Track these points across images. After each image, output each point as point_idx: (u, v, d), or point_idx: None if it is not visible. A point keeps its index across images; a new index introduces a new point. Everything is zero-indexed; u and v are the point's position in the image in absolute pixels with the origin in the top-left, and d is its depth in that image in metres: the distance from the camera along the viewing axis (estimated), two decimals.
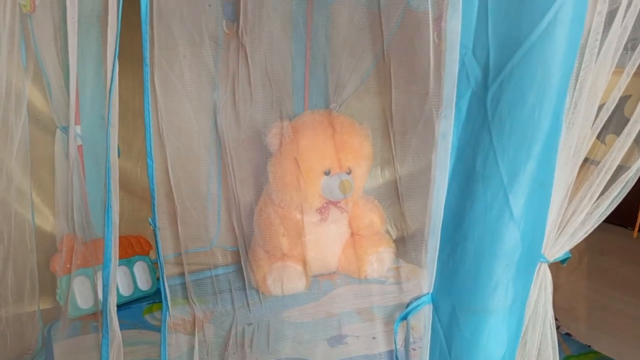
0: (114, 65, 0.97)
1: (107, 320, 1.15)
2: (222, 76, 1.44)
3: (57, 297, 1.94)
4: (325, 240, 2.18)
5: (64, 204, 1.96)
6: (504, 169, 0.89)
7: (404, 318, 1.05)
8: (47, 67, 1.73)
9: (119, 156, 2.09)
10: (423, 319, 1.04)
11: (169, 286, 2.22)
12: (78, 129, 1.95)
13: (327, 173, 2.10)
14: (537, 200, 0.92)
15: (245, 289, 2.01)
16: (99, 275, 1.94)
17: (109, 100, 1.01)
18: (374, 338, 1.79)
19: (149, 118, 1.07)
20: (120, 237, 2.17)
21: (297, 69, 2.20)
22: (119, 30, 0.98)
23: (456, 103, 0.93)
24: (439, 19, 1.15)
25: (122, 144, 2.07)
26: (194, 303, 1.86)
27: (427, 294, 1.03)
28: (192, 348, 1.60)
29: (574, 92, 0.94)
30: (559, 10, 0.82)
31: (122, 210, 2.21)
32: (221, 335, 1.74)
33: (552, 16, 0.82)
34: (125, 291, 2.09)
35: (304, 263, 2.12)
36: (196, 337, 1.55)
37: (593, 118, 0.99)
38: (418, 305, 1.03)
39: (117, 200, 1.16)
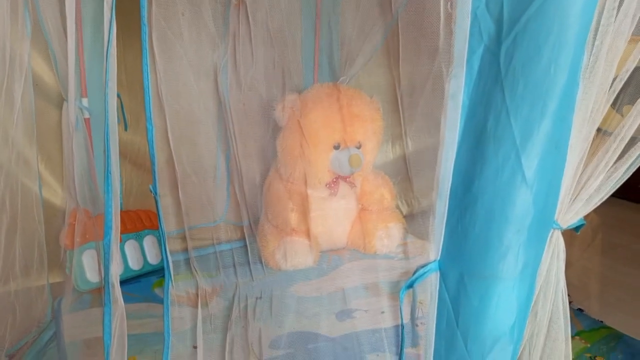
0: (110, 26, 0.93)
1: (109, 290, 1.13)
2: (222, 35, 1.39)
3: (67, 271, 1.92)
4: (335, 215, 2.15)
5: (72, 177, 1.94)
6: (517, 128, 0.84)
7: (410, 286, 1.01)
8: (52, 37, 1.69)
9: (126, 129, 2.08)
10: (429, 288, 1.00)
11: (174, 261, 2.23)
12: (85, 101, 1.92)
13: (336, 147, 2.05)
14: (551, 162, 0.87)
15: (250, 263, 1.99)
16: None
17: (106, 63, 0.97)
18: (382, 312, 1.76)
19: (148, 80, 1.03)
20: (129, 211, 2.18)
21: (306, 42, 2.15)
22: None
23: (467, 60, 0.88)
24: None
25: (130, 117, 2.04)
26: (199, 276, 1.84)
27: (434, 261, 0.99)
28: (196, 320, 1.58)
29: (591, 52, 0.88)
30: None
31: (131, 185, 2.19)
32: (226, 308, 1.72)
33: None
34: (135, 265, 2.07)
35: (313, 238, 2.09)
36: (199, 310, 1.52)
37: (610, 82, 0.93)
38: (424, 273, 0.98)
39: (118, 167, 1.12)
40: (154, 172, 1.12)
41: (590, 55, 0.86)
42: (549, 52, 0.80)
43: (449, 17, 0.88)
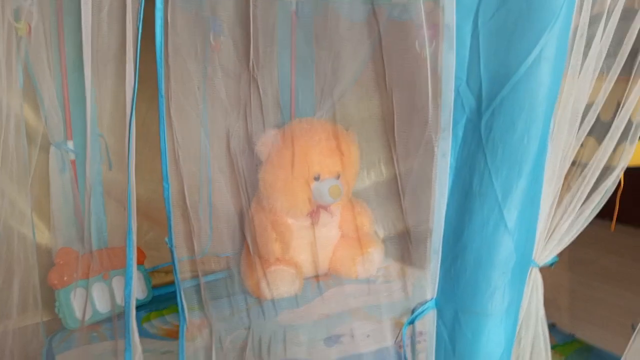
0: (133, 100, 1.05)
1: (129, 334, 1.22)
2: (233, 105, 1.52)
3: (56, 310, 1.99)
4: (317, 243, 2.26)
5: (59, 218, 2.02)
6: (498, 187, 1.01)
7: (411, 322, 1.16)
8: (42, 87, 1.79)
9: (110, 169, 2.17)
10: (428, 322, 1.14)
11: (159, 295, 2.30)
12: (70, 144, 2.01)
13: (316, 178, 2.17)
14: (528, 213, 1.04)
15: (235, 294, 2.07)
16: (95, 287, 2.02)
17: (129, 127, 1.08)
18: (367, 336, 1.86)
19: (165, 144, 1.15)
20: (115, 248, 2.25)
21: (282, 80, 2.27)
22: (137, 66, 1.05)
23: (453, 128, 1.04)
24: (420, 27, 1.24)
25: (113, 157, 2.13)
26: (190, 309, 1.93)
27: (432, 299, 1.14)
28: (202, 350, 1.66)
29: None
30: (543, 48, 0.94)
31: (115, 221, 2.27)
32: (217, 341, 1.80)
33: (537, 54, 0.94)
34: (121, 300, 2.14)
35: (297, 266, 2.19)
36: (183, 344, 1.61)
37: (577, 128, 1.10)
38: (424, 311, 1.13)
39: (135, 220, 1.23)
40: (170, 226, 1.23)
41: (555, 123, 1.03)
42: (522, 125, 0.98)
43: (436, 93, 1.03)
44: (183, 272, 1.83)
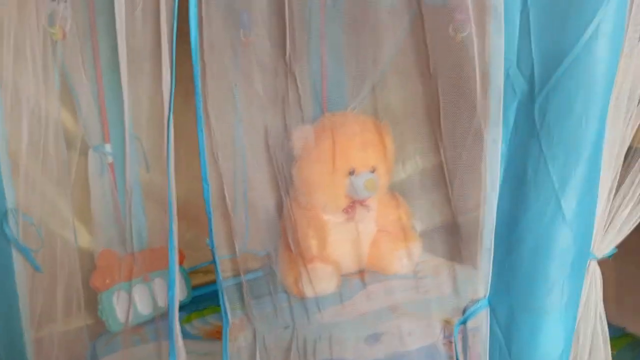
0: (170, 100, 1.02)
1: (172, 338, 1.20)
2: (271, 101, 1.48)
3: (99, 313, 1.98)
4: (353, 239, 2.21)
5: (99, 221, 2.02)
6: (555, 175, 0.94)
7: (463, 323, 1.10)
8: (78, 90, 1.78)
9: (148, 171, 2.15)
10: (480, 322, 1.09)
11: (198, 295, 2.28)
12: (108, 147, 2.01)
13: (351, 173, 2.12)
14: (587, 201, 0.97)
15: (274, 292, 2.03)
16: (136, 288, 2.01)
17: (168, 133, 1.05)
18: (409, 334, 1.81)
19: (203, 144, 1.12)
20: (154, 249, 2.24)
21: (313, 72, 2.22)
22: (174, 63, 1.02)
23: (503, 114, 0.98)
24: (453, 11, 1.18)
25: (150, 158, 2.11)
26: (232, 309, 1.90)
27: (484, 297, 1.08)
28: (245, 351, 1.64)
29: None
30: (600, 23, 0.87)
31: (154, 222, 2.26)
32: (261, 340, 1.77)
33: (594, 29, 0.87)
34: (162, 302, 2.13)
35: (334, 263, 2.15)
36: (226, 345, 1.58)
37: (635, 108, 1.03)
38: (476, 310, 1.08)
39: (176, 222, 1.21)
40: (211, 227, 1.20)
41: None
42: (580, 108, 0.91)
43: (485, 77, 0.98)
44: (223, 272, 1.80)
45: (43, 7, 1.62)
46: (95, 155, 1.96)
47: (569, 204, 0.95)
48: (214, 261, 1.30)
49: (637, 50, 0.96)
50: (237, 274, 1.64)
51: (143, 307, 2.03)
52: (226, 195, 1.33)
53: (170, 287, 1.19)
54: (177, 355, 1.19)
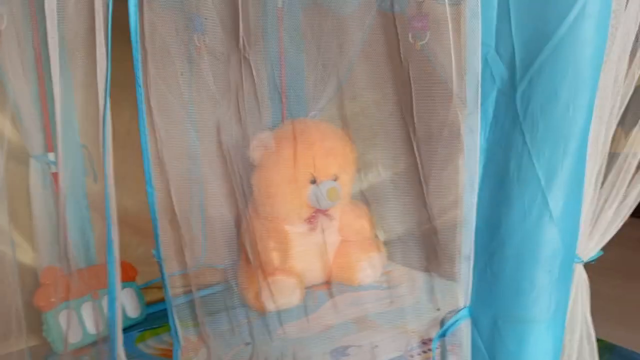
0: (106, 93, 0.88)
1: None
2: (223, 92, 1.34)
3: (44, 334, 1.80)
4: (316, 250, 2.10)
5: (43, 235, 1.84)
6: (541, 169, 0.84)
7: (442, 335, 0.98)
8: (16, 94, 1.61)
9: (95, 181, 1.98)
10: (461, 334, 0.97)
11: (152, 313, 2.12)
12: (51, 156, 1.83)
13: (313, 182, 2.02)
14: (573, 198, 0.87)
15: (233, 307, 1.90)
16: (85, 307, 1.84)
17: (104, 128, 0.91)
18: (375, 346, 1.71)
19: (146, 142, 0.98)
20: (103, 265, 2.07)
21: (271, 78, 2.11)
22: (109, 53, 0.88)
23: (482, 104, 0.87)
24: (411, 19, 1.09)
25: (97, 169, 1.95)
26: (185, 327, 1.74)
27: (464, 307, 0.96)
28: None
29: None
30: (586, 3, 0.77)
31: (102, 236, 2.08)
32: (215, 358, 1.63)
33: (579, 9, 0.77)
34: None
35: (297, 275, 2.04)
36: None
37: (618, 108, 0.94)
38: (456, 321, 0.96)
39: (117, 233, 1.06)
40: (157, 236, 1.06)
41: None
42: (567, 94, 0.81)
43: (460, 63, 0.87)
44: (175, 287, 1.64)
45: None
46: (36, 164, 1.79)
47: (556, 201, 0.85)
48: (161, 275, 1.14)
49: (620, 32, 0.87)
50: (189, 290, 1.48)
51: (92, 326, 1.85)
52: (174, 201, 1.18)
53: (110, 304, 1.04)
54: None
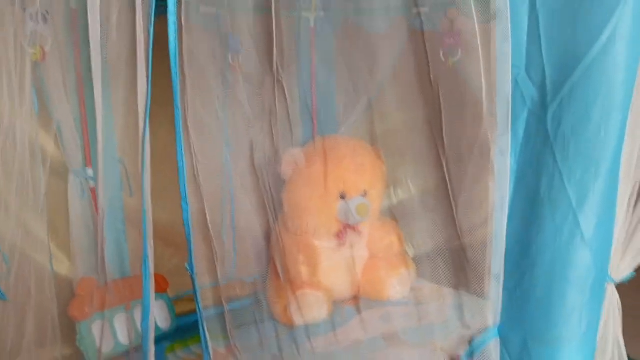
0: (146, 111, 0.90)
1: None
2: (257, 113, 1.36)
3: (77, 343, 1.83)
4: (345, 265, 2.10)
5: (79, 247, 1.88)
6: (572, 190, 0.83)
7: (471, 354, 0.97)
8: (58, 112, 1.66)
9: (130, 195, 2.02)
10: (489, 353, 0.96)
11: (183, 325, 2.14)
12: (90, 171, 1.88)
13: (342, 197, 2.02)
14: (606, 219, 0.86)
15: (262, 321, 1.90)
16: (117, 317, 1.87)
17: (143, 147, 0.93)
18: None
19: (183, 161, 1.00)
20: (136, 277, 2.10)
21: (302, 95, 2.13)
22: (150, 74, 0.91)
23: (512, 125, 0.87)
24: (443, 36, 1.09)
25: (133, 183, 1.99)
26: (215, 339, 1.76)
27: (493, 327, 0.95)
28: None
29: None
30: (617, 25, 0.77)
31: (137, 249, 2.12)
32: None
33: (611, 31, 0.77)
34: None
35: (325, 290, 2.03)
36: None
37: None
38: (485, 341, 0.95)
39: (152, 247, 1.08)
40: (190, 251, 1.08)
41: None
42: (598, 115, 0.80)
43: (491, 85, 0.87)
44: (206, 300, 1.66)
45: (22, 26, 1.51)
46: (75, 179, 1.83)
47: (588, 221, 0.84)
48: (193, 288, 1.16)
49: None
50: (220, 303, 1.49)
51: (124, 336, 1.88)
52: (208, 217, 1.20)
53: (144, 316, 1.06)
54: None
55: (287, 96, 1.32)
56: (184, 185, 1.03)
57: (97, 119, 1.21)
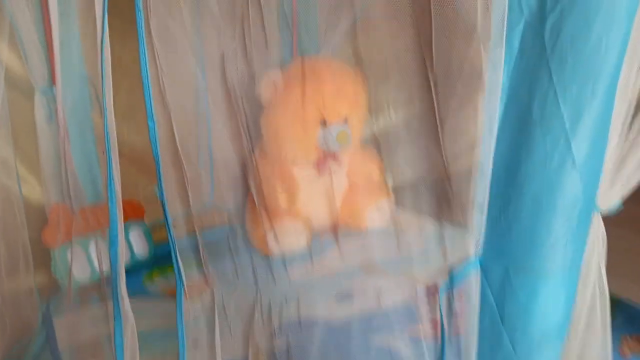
0: (103, 17, 0.80)
1: (118, 302, 1.01)
2: (228, 21, 1.24)
3: (52, 271, 1.79)
4: (324, 194, 2.05)
5: (50, 171, 1.80)
6: (566, 110, 0.76)
7: (450, 286, 0.93)
8: (20, 24, 1.53)
9: (101, 116, 1.92)
10: (469, 284, 0.92)
11: (161, 253, 2.09)
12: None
13: (323, 124, 1.94)
14: (598, 144, 0.80)
15: (241, 251, 1.86)
16: (93, 244, 1.82)
17: (101, 58, 0.84)
18: (385, 292, 1.68)
19: (147, 73, 0.91)
20: None
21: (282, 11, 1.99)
22: None
23: (507, 37, 0.79)
24: None
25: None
26: (189, 268, 1.72)
27: (474, 257, 0.91)
28: (203, 314, 1.47)
29: None
30: None
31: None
32: (220, 303, 1.61)
33: None
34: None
35: (304, 219, 1.99)
36: (181, 309, 1.41)
37: None
38: (465, 271, 0.90)
39: (118, 167, 1.01)
40: (159, 174, 1.00)
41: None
42: (600, 28, 0.72)
43: None
44: (179, 228, 1.59)
45: None
46: (42, 98, 1.72)
47: (580, 146, 0.78)
48: (164, 215, 1.09)
49: None
50: (193, 231, 1.44)
51: (101, 263, 1.84)
52: (176, 137, 1.12)
53: (111, 243, 1.00)
54: (124, 322, 1.01)
55: (262, 2, 1.20)
56: (150, 100, 0.94)
57: (53, 29, 1.09)
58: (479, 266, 0.92)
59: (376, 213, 2.06)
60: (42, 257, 1.74)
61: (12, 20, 1.51)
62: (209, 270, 1.50)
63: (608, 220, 0.98)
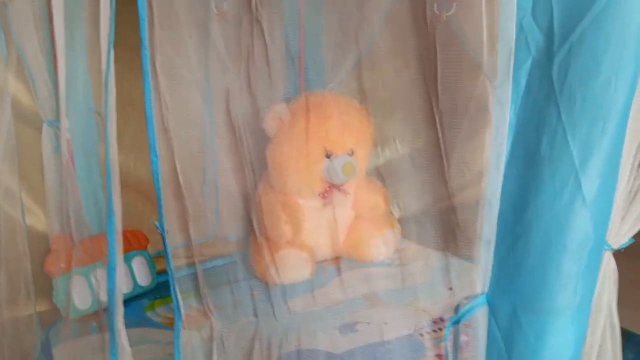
0: (109, 52, 0.80)
1: (114, 336, 0.99)
2: (234, 58, 1.25)
3: (54, 299, 1.77)
4: (329, 225, 2.04)
5: (55, 202, 1.80)
6: (576, 148, 0.75)
7: (456, 323, 0.91)
8: (29, 58, 1.55)
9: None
10: (476, 322, 0.89)
11: (161, 282, 2.07)
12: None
13: (328, 156, 1.94)
14: (609, 181, 0.79)
15: (243, 279, 1.84)
16: (96, 273, 1.80)
17: (106, 91, 0.84)
18: (385, 324, 1.65)
19: (151, 108, 0.90)
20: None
21: (289, 48, 2.01)
22: (114, 11, 0.80)
23: (513, 75, 0.78)
24: None
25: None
26: (188, 299, 1.70)
27: (482, 294, 0.89)
28: (201, 344, 1.44)
29: None
30: None
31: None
32: (218, 335, 1.58)
33: None
34: (124, 288, 1.91)
35: (308, 249, 1.98)
36: (178, 339, 1.39)
37: None
38: (472, 308, 0.88)
39: (119, 200, 1.00)
40: (160, 206, 0.99)
41: None
42: (609, 66, 0.71)
43: (492, 29, 0.78)
44: (179, 259, 1.58)
45: None
46: (49, 130, 1.73)
47: (590, 184, 0.76)
48: (164, 246, 1.08)
49: None
50: (193, 263, 1.42)
51: (102, 292, 1.82)
52: (178, 171, 1.11)
53: (109, 275, 0.98)
54: (120, 354, 0.99)
55: (267, 38, 1.21)
56: (153, 135, 0.94)
57: (59, 64, 1.10)
58: (486, 303, 0.90)
59: (381, 244, 2.04)
60: (44, 286, 1.73)
61: (21, 53, 1.53)
62: (207, 302, 1.48)
63: (618, 251, 0.96)
